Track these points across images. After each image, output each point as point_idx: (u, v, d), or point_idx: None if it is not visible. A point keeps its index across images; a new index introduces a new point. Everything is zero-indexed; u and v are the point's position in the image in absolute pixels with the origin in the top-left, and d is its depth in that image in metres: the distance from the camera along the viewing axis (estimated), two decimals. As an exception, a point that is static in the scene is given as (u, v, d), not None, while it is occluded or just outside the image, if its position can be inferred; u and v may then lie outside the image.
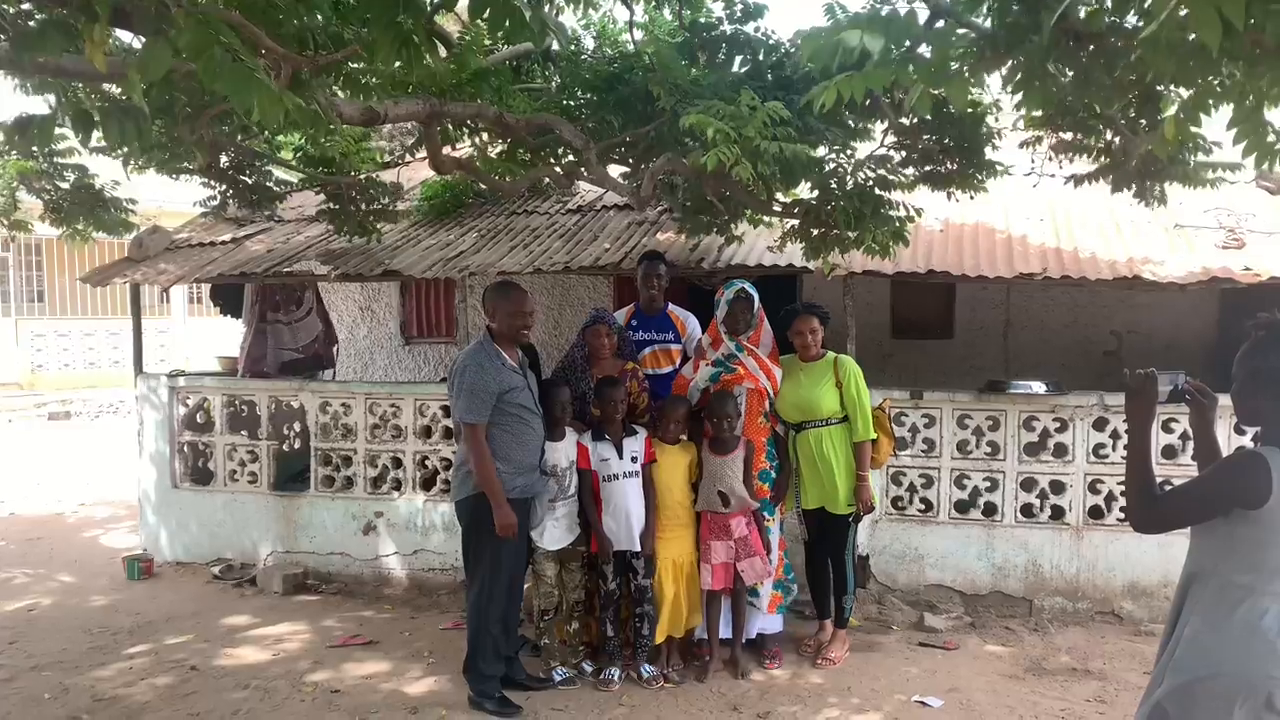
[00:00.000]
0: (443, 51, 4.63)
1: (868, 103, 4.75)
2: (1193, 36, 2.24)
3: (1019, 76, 2.62)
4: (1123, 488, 5.62)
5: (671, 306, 5.44)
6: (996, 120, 5.09)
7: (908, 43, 2.42)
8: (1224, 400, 2.66)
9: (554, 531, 4.68)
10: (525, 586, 4.81)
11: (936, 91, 2.62)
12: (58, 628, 5.70)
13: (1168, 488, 2.45)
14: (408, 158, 8.30)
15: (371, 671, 4.95)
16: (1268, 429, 2.33)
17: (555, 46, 5.47)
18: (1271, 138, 2.91)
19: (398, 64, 2.84)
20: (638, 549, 4.72)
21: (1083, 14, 2.50)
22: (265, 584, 6.43)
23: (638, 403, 4.98)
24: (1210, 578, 2.33)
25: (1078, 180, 4.93)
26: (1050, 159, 5.45)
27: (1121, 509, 5.64)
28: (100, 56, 2.18)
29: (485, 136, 5.75)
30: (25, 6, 2.82)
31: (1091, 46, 2.61)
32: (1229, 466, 2.34)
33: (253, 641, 5.44)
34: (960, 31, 2.86)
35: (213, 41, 2.04)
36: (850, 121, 4.91)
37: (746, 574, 4.77)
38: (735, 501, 4.72)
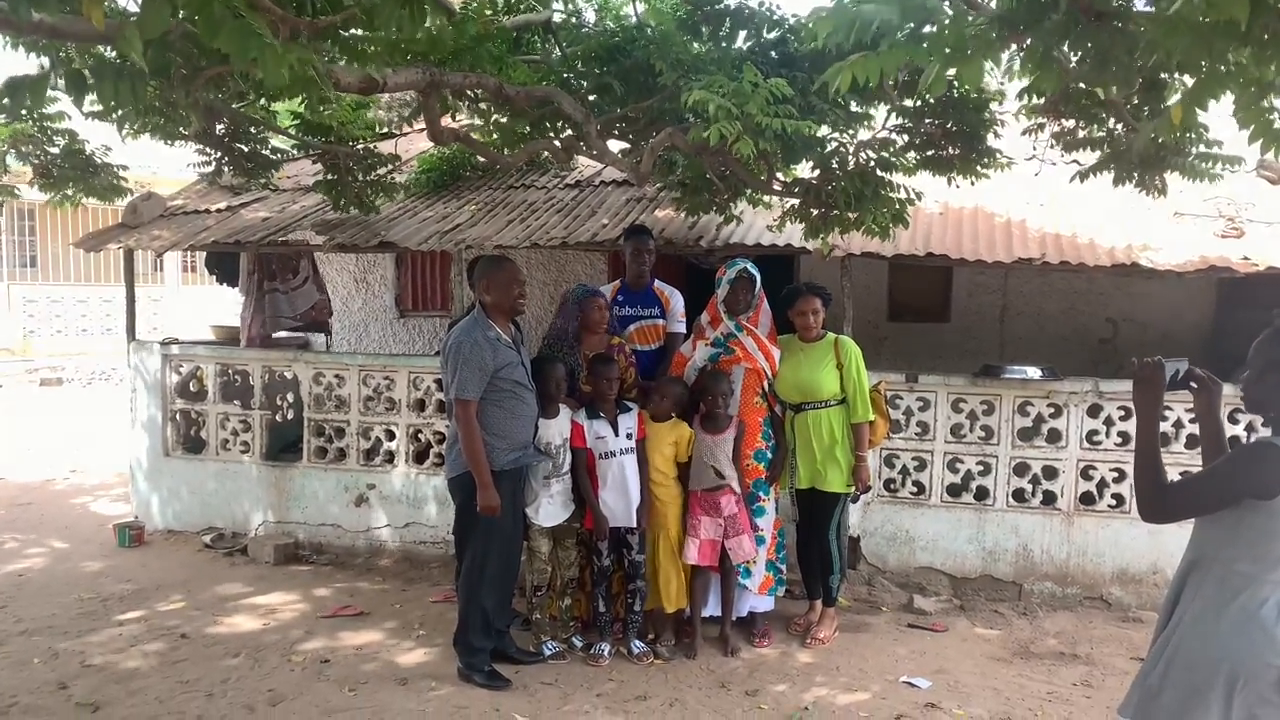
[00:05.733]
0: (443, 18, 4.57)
1: (872, 85, 4.71)
2: (1210, 19, 2.21)
3: (1034, 58, 2.59)
4: (1115, 474, 5.64)
5: (658, 282, 5.42)
6: (1000, 105, 5.06)
7: (922, 19, 2.39)
8: (1227, 388, 2.66)
9: (549, 508, 4.68)
10: (519, 560, 4.81)
11: (951, 72, 2.58)
12: (47, 593, 5.69)
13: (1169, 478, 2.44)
14: (405, 128, 8.23)
15: (362, 642, 4.96)
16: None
17: (556, 18, 5.41)
18: (1278, 123, 2.88)
19: (397, 30, 2.79)
20: (634, 525, 4.73)
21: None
22: (256, 553, 6.43)
23: (625, 378, 4.97)
24: (1212, 565, 2.33)
25: (1083, 176, 4.91)
26: (1052, 146, 5.43)
27: (1113, 496, 5.65)
28: (99, 14, 2.13)
29: (484, 108, 5.69)
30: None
31: (1114, 25, 2.57)
32: (1244, 457, 2.33)
33: (243, 610, 5.45)
34: (972, 14, 2.83)
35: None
36: (853, 104, 4.88)
37: (734, 552, 4.78)
38: (721, 480, 4.73)
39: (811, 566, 5.16)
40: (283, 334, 7.62)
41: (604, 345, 4.97)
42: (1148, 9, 2.67)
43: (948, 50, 2.41)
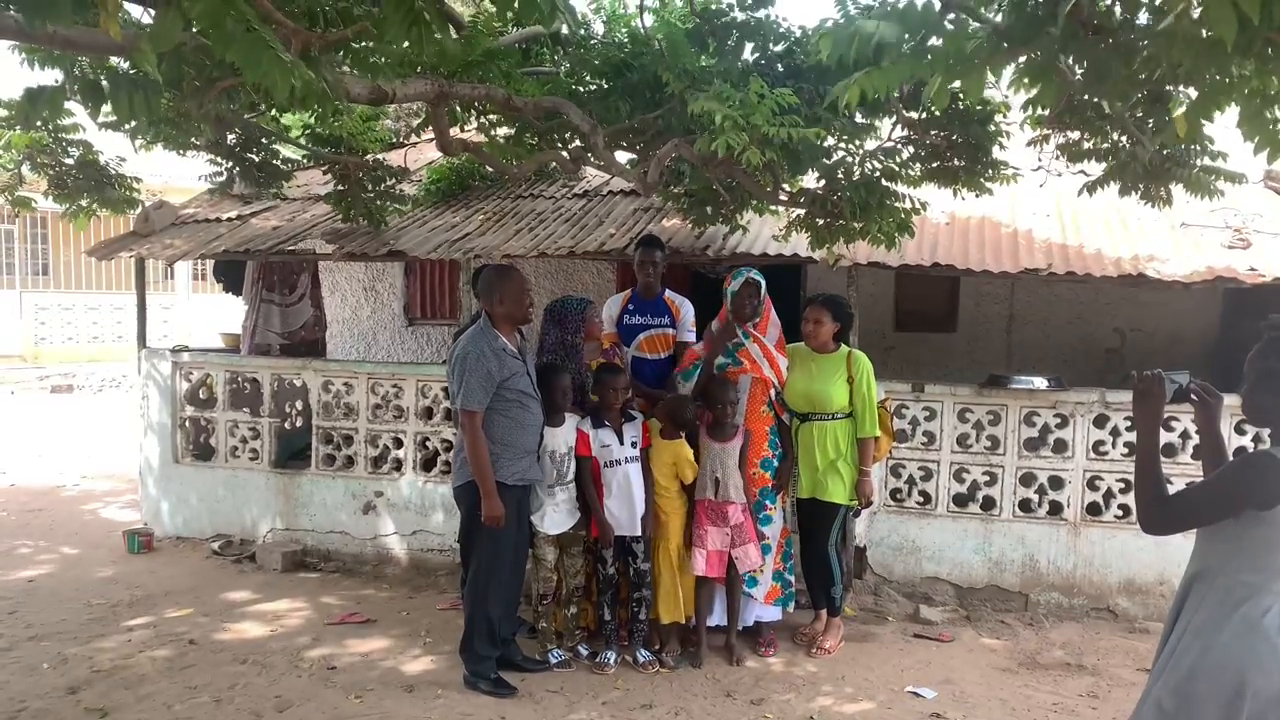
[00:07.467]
0: (453, 32, 4.63)
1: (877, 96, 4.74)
2: (1206, 33, 2.23)
3: (1033, 71, 2.61)
4: (1121, 485, 5.64)
5: (668, 292, 5.45)
6: (1004, 118, 5.08)
7: (923, 33, 2.41)
8: (1228, 400, 2.67)
9: (554, 516, 4.70)
10: (525, 569, 4.83)
11: (953, 86, 2.61)
12: (57, 599, 5.73)
13: (1171, 489, 2.45)
14: (414, 139, 8.29)
15: (369, 649, 4.98)
16: (1278, 429, 2.33)
17: (565, 30, 5.45)
18: (1282, 131, 2.89)
19: (406, 44, 2.83)
20: (639, 533, 4.74)
21: (1100, 5, 2.50)
22: (264, 560, 6.46)
23: None
24: (1216, 577, 2.33)
25: (1090, 189, 4.93)
26: (1057, 158, 5.45)
27: (1119, 506, 5.65)
28: (115, 26, 2.17)
29: (493, 119, 5.74)
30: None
31: (1109, 39, 2.59)
32: (1242, 467, 2.34)
33: (251, 617, 5.47)
34: (975, 25, 2.85)
35: (225, 12, 2.04)
36: (859, 116, 4.90)
37: (740, 561, 4.80)
38: (728, 489, 4.74)
39: (813, 577, 5.17)
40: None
41: (598, 352, 5.02)
42: (1148, 23, 2.69)
43: (950, 63, 2.43)
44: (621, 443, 4.75)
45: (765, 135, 3.92)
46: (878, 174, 4.90)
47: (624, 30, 5.78)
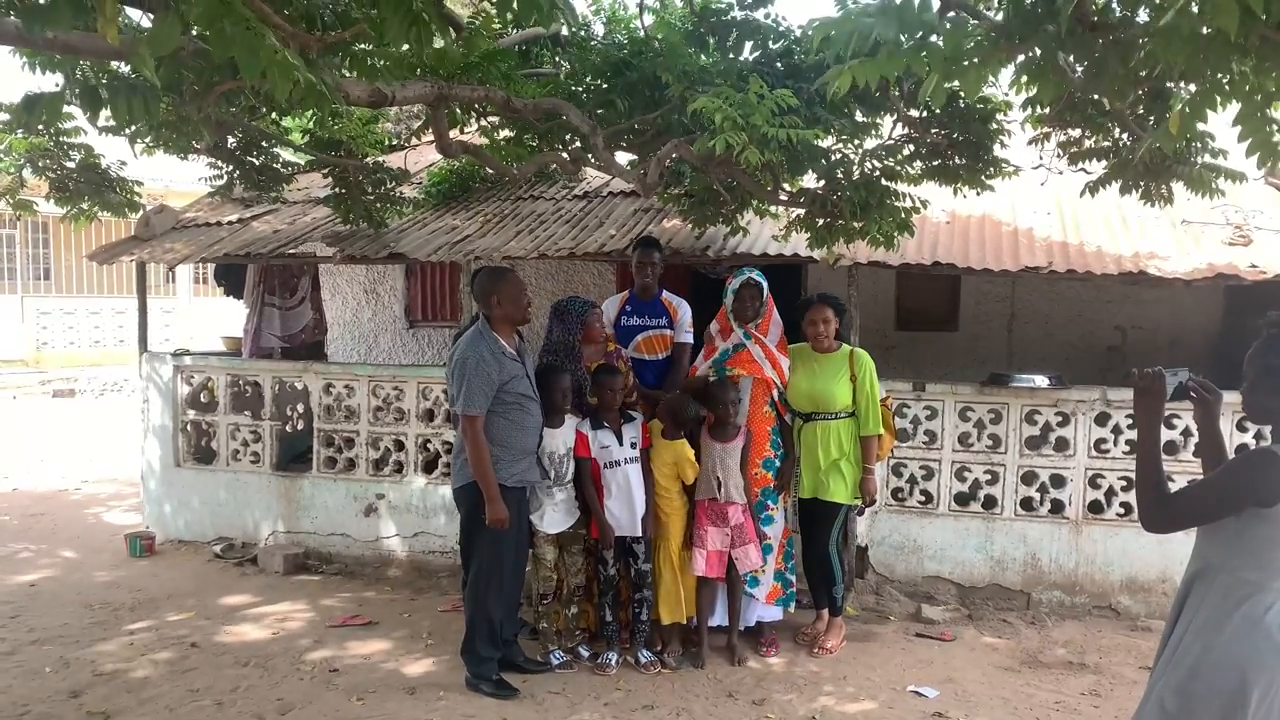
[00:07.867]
0: (452, 34, 4.63)
1: (877, 94, 4.74)
2: (1206, 30, 2.23)
3: (1033, 68, 2.61)
4: (1123, 483, 5.63)
5: (665, 293, 5.44)
6: (1006, 115, 5.07)
7: (921, 32, 2.41)
8: (1229, 397, 2.66)
9: (553, 515, 4.70)
10: (525, 570, 4.83)
11: (950, 84, 2.61)
12: (59, 602, 5.74)
13: (1173, 487, 2.45)
14: (414, 141, 8.29)
15: (370, 651, 4.98)
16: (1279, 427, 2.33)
17: (564, 31, 5.45)
18: (1277, 137, 2.89)
19: (406, 46, 2.84)
20: (639, 534, 4.74)
21: (1099, 2, 2.50)
22: (266, 563, 6.46)
23: (625, 382, 4.98)
24: (1217, 574, 2.33)
25: (1092, 189, 4.92)
26: (1059, 156, 5.44)
27: (1121, 504, 5.64)
28: (113, 31, 2.18)
29: (493, 121, 5.74)
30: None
31: (1109, 36, 2.60)
32: (1243, 465, 2.33)
33: (253, 620, 5.48)
34: (974, 22, 2.85)
35: (222, 14, 2.05)
36: (859, 114, 4.90)
37: (740, 562, 4.79)
38: (729, 490, 4.73)
39: (814, 577, 5.17)
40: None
41: (602, 355, 5.02)
42: (1146, 19, 2.69)
43: (945, 59, 2.43)
44: (621, 443, 4.75)
45: (765, 135, 3.92)
46: (877, 173, 4.90)
47: (624, 31, 5.79)
